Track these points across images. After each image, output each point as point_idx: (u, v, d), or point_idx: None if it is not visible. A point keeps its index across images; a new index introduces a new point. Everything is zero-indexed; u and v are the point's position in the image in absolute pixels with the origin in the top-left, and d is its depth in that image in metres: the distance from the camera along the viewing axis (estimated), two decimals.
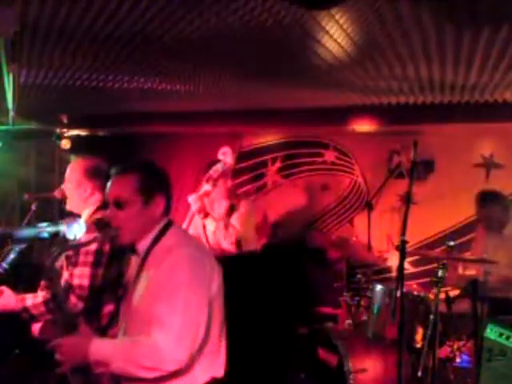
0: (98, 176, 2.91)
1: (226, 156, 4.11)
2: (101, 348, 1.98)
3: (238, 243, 4.29)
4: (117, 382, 2.07)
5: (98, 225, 2.66)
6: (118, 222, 2.13)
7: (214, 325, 2.11)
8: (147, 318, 2.01)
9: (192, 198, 4.18)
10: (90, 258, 2.66)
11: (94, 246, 2.64)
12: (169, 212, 2.22)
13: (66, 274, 2.75)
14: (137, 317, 2.10)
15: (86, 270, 2.64)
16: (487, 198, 4.23)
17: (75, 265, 2.67)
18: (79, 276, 2.65)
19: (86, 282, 2.63)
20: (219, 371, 2.16)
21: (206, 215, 4.22)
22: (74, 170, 2.98)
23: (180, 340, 1.94)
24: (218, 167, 4.07)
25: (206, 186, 4.11)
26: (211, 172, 4.09)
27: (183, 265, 2.03)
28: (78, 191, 2.93)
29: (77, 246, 2.47)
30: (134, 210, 2.11)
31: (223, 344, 2.20)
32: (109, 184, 2.20)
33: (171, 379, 2.00)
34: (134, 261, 2.23)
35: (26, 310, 2.63)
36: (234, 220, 4.26)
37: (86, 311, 2.64)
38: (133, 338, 2.07)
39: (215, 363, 2.15)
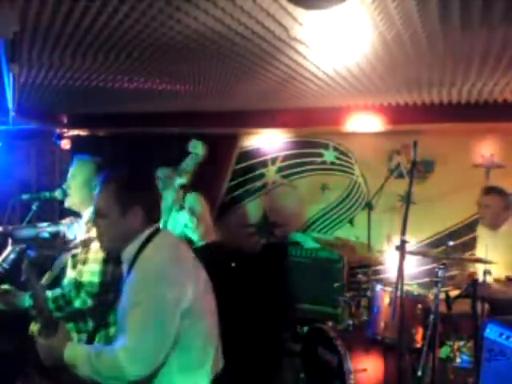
0: None
1: (196, 149, 4.09)
2: (72, 353, 2.05)
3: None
4: None
5: None
6: (99, 230, 2.21)
7: (196, 335, 2.09)
8: (121, 327, 2.08)
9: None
10: (101, 256, 2.68)
11: None
12: (153, 219, 2.22)
13: (71, 272, 2.77)
14: (118, 324, 2.18)
15: (96, 267, 2.66)
16: (491, 189, 4.26)
17: (85, 262, 2.69)
18: (89, 273, 2.67)
19: (96, 279, 2.65)
20: (202, 381, 2.13)
21: (182, 207, 4.42)
22: (83, 169, 2.98)
23: (137, 355, 1.97)
24: (189, 160, 4.05)
25: (179, 180, 4.10)
26: (183, 165, 4.07)
27: (146, 278, 2.05)
28: (85, 190, 2.93)
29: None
30: (111, 220, 2.15)
31: (210, 355, 2.15)
32: (96, 192, 2.24)
33: None
34: (124, 269, 2.25)
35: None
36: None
37: (95, 308, 2.66)
38: (103, 346, 2.18)
39: (197, 373, 2.11)
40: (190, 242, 4.52)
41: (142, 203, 2.17)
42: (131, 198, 2.16)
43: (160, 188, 4.35)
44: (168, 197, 4.16)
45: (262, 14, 2.49)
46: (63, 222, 2.87)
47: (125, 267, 2.20)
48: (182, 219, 4.53)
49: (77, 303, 2.66)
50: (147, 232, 2.17)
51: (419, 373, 3.26)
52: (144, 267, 2.09)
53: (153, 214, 2.22)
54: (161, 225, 2.28)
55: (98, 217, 2.19)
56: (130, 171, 2.29)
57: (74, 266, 2.77)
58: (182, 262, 2.16)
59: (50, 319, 2.18)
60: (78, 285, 2.66)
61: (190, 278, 2.11)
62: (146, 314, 1.99)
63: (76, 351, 2.06)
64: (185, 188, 4.34)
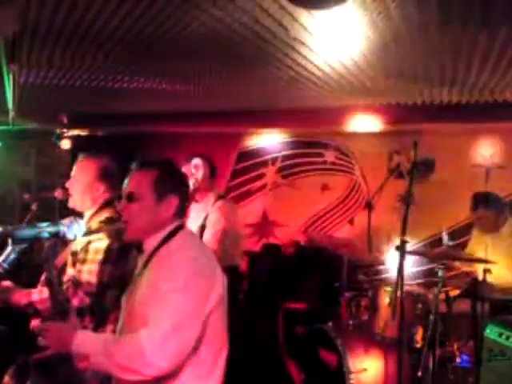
0: (110, 177, 2.92)
1: (197, 170, 3.90)
2: (84, 340, 1.97)
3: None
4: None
5: (108, 223, 2.70)
6: (128, 215, 2.12)
7: (214, 337, 2.05)
8: (141, 318, 1.98)
9: None
10: (100, 256, 2.68)
11: (103, 244, 2.67)
12: (182, 215, 2.19)
13: (71, 270, 2.78)
14: (133, 316, 2.07)
15: (94, 267, 2.66)
16: (478, 201, 4.18)
17: (84, 262, 2.69)
18: (88, 272, 2.67)
19: (93, 278, 2.66)
20: None
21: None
22: (86, 170, 2.95)
23: (164, 345, 1.88)
24: (190, 184, 3.72)
25: None
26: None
27: (182, 268, 1.99)
28: (89, 191, 2.91)
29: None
30: (145, 205, 2.09)
31: (223, 357, 2.13)
32: (127, 178, 2.17)
33: None
34: (140, 259, 2.21)
35: (31, 304, 2.65)
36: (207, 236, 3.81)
37: (92, 307, 2.67)
38: (118, 335, 2.06)
39: (211, 376, 2.07)
40: None
41: (178, 193, 2.13)
42: (169, 186, 2.12)
43: None
44: None
45: (262, 15, 2.49)
46: (63, 222, 2.87)
47: (142, 258, 2.15)
48: None
49: (75, 301, 2.66)
50: (173, 225, 2.13)
51: (419, 373, 3.26)
52: (176, 258, 2.02)
53: (185, 207, 2.19)
54: None
55: (128, 201, 2.10)
56: (167, 161, 2.25)
57: (74, 264, 2.78)
58: (210, 260, 2.13)
59: (62, 304, 2.13)
60: (76, 283, 2.67)
61: (218, 276, 2.09)
62: (182, 301, 1.93)
63: (88, 338, 1.99)
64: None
